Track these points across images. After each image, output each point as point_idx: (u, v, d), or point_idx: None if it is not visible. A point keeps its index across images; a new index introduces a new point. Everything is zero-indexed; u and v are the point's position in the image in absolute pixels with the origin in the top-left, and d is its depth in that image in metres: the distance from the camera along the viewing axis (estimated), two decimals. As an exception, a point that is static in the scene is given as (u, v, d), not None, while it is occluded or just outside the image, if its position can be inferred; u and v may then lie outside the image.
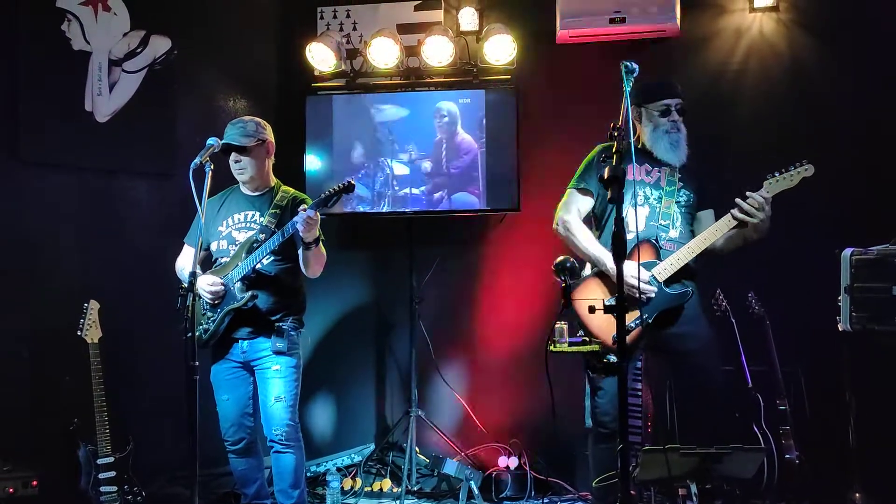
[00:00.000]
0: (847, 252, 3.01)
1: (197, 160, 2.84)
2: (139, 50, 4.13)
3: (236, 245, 3.23)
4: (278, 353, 3.18)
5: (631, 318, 2.89)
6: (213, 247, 3.33)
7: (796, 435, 3.54)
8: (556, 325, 2.87)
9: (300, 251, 3.13)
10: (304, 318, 3.37)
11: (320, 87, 4.40)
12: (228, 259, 3.23)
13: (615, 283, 2.33)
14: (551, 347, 2.81)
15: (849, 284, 2.98)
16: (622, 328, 2.22)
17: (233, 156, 3.23)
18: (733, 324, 3.74)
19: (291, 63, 4.51)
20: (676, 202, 3.05)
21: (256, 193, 3.34)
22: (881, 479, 3.29)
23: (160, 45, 4.18)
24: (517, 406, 4.27)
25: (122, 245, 4.04)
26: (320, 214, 3.03)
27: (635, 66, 2.48)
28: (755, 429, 3.54)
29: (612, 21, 4.00)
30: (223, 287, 3.16)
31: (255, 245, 3.14)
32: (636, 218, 2.92)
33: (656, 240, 3.00)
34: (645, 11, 3.96)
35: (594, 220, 3.23)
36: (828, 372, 3.43)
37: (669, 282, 2.94)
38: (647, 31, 4.06)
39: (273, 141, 3.34)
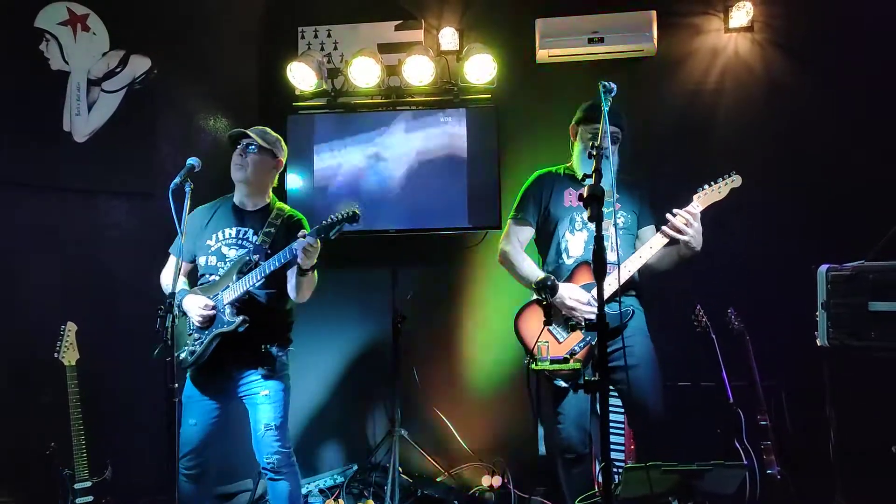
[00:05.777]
0: (823, 268, 3.03)
1: (177, 180, 2.81)
2: (118, 69, 4.12)
3: (226, 262, 3.13)
4: (267, 377, 3.11)
5: (575, 341, 2.98)
6: (201, 261, 3.20)
7: (778, 450, 3.55)
8: (538, 343, 2.88)
9: (292, 276, 3.05)
10: (291, 336, 3.26)
11: (301, 107, 4.41)
12: (218, 278, 3.12)
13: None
14: (533, 366, 2.82)
15: (825, 300, 2.99)
16: (603, 345, 2.21)
17: (238, 148, 3.15)
18: (713, 339, 3.76)
19: (272, 82, 4.51)
20: (614, 225, 3.03)
21: (250, 209, 3.23)
22: (862, 494, 3.30)
23: (140, 64, 4.17)
24: (500, 425, 4.26)
25: (100, 266, 3.99)
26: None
27: (613, 85, 2.51)
28: (737, 444, 3.55)
29: (590, 41, 4.07)
30: (214, 312, 3.06)
31: (247, 267, 3.04)
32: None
33: None
34: (623, 32, 4.05)
35: (537, 247, 3.29)
36: (808, 387, 3.45)
37: (609, 301, 2.92)
38: (625, 50, 4.13)
39: (283, 163, 3.29)
